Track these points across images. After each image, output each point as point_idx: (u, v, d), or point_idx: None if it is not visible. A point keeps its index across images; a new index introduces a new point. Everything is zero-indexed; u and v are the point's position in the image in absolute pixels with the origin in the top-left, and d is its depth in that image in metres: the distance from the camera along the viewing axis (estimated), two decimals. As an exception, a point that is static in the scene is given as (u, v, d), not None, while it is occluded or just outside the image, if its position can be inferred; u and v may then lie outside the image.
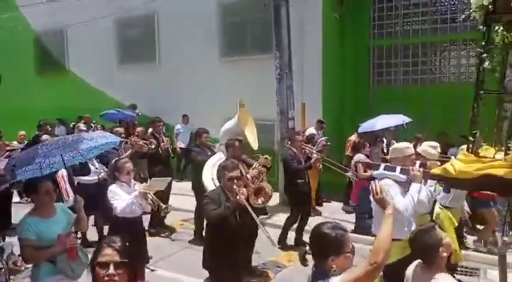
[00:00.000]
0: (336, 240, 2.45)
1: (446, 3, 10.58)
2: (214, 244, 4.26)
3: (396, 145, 4.30)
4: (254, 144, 7.26)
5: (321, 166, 8.66)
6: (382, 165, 4.10)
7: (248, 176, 5.36)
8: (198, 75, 12.45)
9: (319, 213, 9.11)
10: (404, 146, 4.22)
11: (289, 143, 8.20)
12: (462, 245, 6.37)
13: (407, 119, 8.32)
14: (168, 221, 8.37)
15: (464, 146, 3.87)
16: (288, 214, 7.67)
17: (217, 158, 6.22)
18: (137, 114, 12.96)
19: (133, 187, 4.97)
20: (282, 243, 7.40)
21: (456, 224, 5.51)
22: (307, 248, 5.94)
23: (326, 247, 2.45)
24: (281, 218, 8.09)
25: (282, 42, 9.87)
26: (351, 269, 2.44)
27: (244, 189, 4.21)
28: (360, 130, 8.89)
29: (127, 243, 2.28)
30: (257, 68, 11.05)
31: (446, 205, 5.49)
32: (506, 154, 3.48)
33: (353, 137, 9.59)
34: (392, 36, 11.27)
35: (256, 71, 11.06)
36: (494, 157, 3.57)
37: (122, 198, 4.79)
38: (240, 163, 5.07)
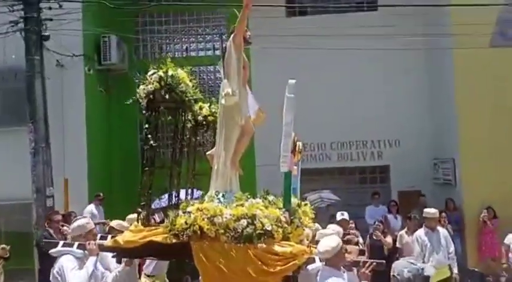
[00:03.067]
0: None
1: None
2: None
3: (77, 223, 4.35)
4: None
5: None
6: (61, 243, 4.13)
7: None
8: None
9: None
10: (85, 222, 4.32)
11: (46, 223, 7.63)
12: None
13: None
14: None
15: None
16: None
17: None
18: None
19: None
20: None
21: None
22: None
23: None
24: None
25: (37, 114, 9.46)
26: None
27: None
28: None
29: None
30: (10, 141, 10.24)
31: (149, 274, 5.67)
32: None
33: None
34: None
35: (9, 145, 10.23)
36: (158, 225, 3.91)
37: None
38: None
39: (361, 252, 4.87)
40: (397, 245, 7.95)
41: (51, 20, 9.44)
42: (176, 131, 4.14)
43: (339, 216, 7.44)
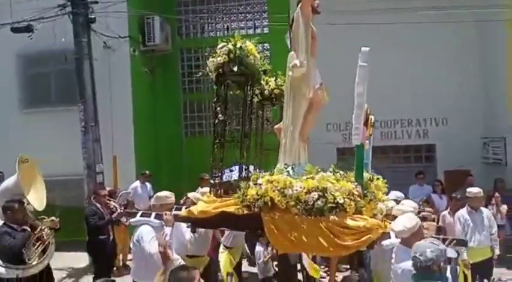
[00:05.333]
0: None
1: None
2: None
3: (158, 194, 4.52)
4: (39, 205, 6.66)
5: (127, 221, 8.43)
6: (139, 213, 4.24)
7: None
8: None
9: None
10: (164, 195, 4.45)
11: (93, 198, 7.88)
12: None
13: None
14: None
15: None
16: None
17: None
18: None
19: None
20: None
21: (235, 263, 5.87)
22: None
23: None
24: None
25: (86, 95, 9.70)
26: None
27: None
28: None
29: None
30: (62, 120, 10.55)
31: (228, 245, 5.84)
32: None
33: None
34: (201, 90, 12.00)
35: (61, 124, 10.54)
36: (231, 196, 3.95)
37: None
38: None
39: (439, 229, 4.78)
40: (440, 224, 7.82)
41: (97, 2, 9.59)
42: (245, 104, 4.12)
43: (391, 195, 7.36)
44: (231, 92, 4.14)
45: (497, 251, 7.06)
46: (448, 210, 7.91)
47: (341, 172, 3.89)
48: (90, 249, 7.52)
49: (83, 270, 8.66)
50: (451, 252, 3.70)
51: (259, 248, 6.49)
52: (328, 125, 11.17)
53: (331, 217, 3.67)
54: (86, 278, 8.34)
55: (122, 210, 7.73)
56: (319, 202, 3.68)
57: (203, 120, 12.06)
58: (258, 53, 4.06)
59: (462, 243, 3.82)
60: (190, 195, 5.28)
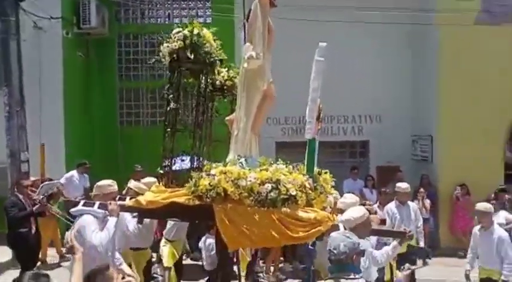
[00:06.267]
0: None
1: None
2: None
3: (98, 183, 4.28)
4: None
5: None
6: (82, 202, 3.99)
7: None
8: None
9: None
10: (107, 184, 4.23)
11: (15, 188, 7.32)
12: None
13: None
14: None
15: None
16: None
17: None
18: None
19: None
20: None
21: (178, 256, 5.75)
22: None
23: None
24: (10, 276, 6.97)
25: (11, 78, 9.06)
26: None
27: None
28: None
29: None
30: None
31: (170, 238, 5.70)
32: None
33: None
34: (139, 78, 11.58)
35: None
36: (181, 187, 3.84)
37: None
38: None
39: (383, 222, 4.97)
40: None
41: (26, -21, 8.96)
42: (199, 93, 4.00)
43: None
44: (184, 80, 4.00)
45: (422, 243, 7.56)
46: (378, 203, 8.32)
47: (293, 164, 3.91)
48: (10, 242, 6.97)
49: (5, 264, 8.06)
50: (365, 245, 3.95)
51: (210, 240, 6.40)
52: (268, 119, 11.22)
53: (284, 209, 3.69)
54: (8, 273, 7.76)
55: (44, 203, 7.15)
56: (272, 194, 3.68)
57: (140, 109, 11.64)
58: (215, 41, 3.95)
59: (402, 236, 4.01)
60: (132, 185, 5.08)
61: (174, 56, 3.78)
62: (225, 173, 3.73)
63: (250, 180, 3.70)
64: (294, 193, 3.69)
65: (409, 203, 7.51)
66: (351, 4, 9.52)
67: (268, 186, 3.69)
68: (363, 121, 11.63)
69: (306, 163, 3.94)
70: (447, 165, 10.19)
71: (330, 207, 3.97)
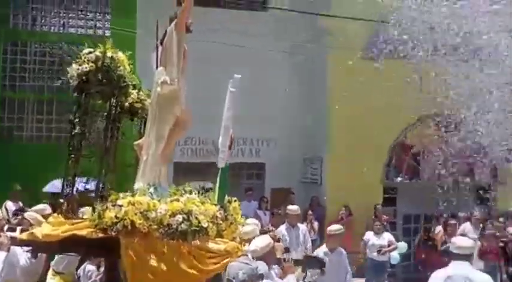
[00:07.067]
0: None
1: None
2: None
3: None
4: None
5: None
6: None
7: None
8: None
9: None
10: None
11: None
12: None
13: None
14: None
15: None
16: None
17: None
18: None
19: None
20: None
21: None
22: None
23: None
24: None
25: None
26: None
27: None
28: None
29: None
30: None
31: (59, 271, 5.21)
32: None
33: None
34: (25, 89, 10.60)
35: None
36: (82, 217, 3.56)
37: None
38: None
39: (286, 250, 5.05)
40: None
41: None
42: (108, 117, 3.76)
43: None
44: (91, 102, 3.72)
45: None
46: (270, 225, 8.55)
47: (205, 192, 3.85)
48: None
49: None
50: (263, 268, 4.17)
51: (90, 267, 5.97)
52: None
53: (193, 241, 3.60)
54: None
55: None
56: (183, 225, 3.56)
57: (24, 123, 10.60)
58: (129, 65, 3.77)
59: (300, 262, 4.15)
60: (27, 215, 4.54)
61: (84, 77, 3.52)
62: (133, 204, 3.53)
63: (160, 212, 3.55)
64: (205, 225, 3.62)
65: (299, 225, 7.80)
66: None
67: (179, 217, 3.57)
68: (260, 144, 11.93)
69: (217, 191, 3.91)
70: (333, 187, 10.85)
71: (239, 237, 3.95)
